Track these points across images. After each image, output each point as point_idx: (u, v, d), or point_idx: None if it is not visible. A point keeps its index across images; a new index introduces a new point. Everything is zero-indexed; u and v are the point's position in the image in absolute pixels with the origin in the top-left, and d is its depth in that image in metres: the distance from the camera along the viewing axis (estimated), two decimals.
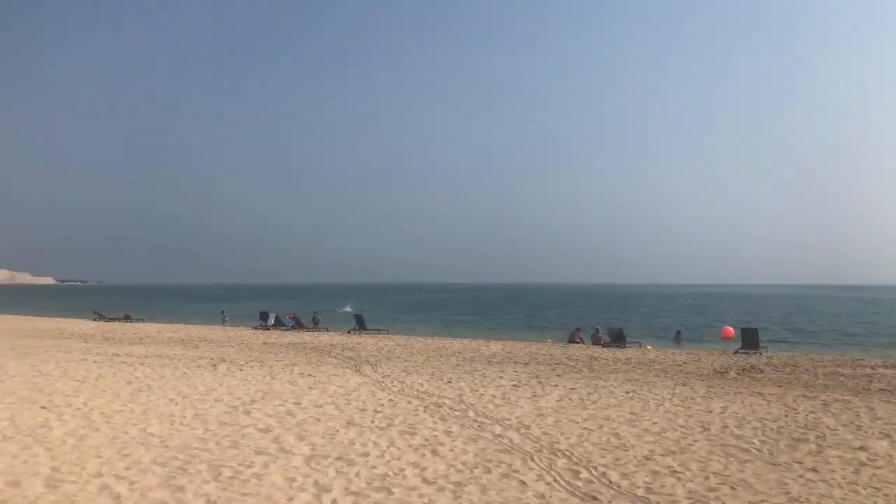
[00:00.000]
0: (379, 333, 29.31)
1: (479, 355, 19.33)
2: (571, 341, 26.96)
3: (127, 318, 38.76)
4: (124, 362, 16.56)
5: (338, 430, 9.02)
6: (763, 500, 6.31)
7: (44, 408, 10.28)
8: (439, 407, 10.80)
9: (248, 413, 10.14)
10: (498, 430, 9.17)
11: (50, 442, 8.10)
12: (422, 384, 13.26)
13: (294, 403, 10.99)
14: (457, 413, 10.31)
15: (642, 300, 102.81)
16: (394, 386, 13.00)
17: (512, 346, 23.32)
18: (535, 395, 12.10)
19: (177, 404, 10.79)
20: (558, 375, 15.00)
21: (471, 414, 10.26)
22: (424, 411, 10.43)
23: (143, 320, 38.89)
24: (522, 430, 9.14)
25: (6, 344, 21.35)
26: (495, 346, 22.55)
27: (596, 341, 26.64)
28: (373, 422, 9.62)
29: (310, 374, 14.57)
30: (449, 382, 13.53)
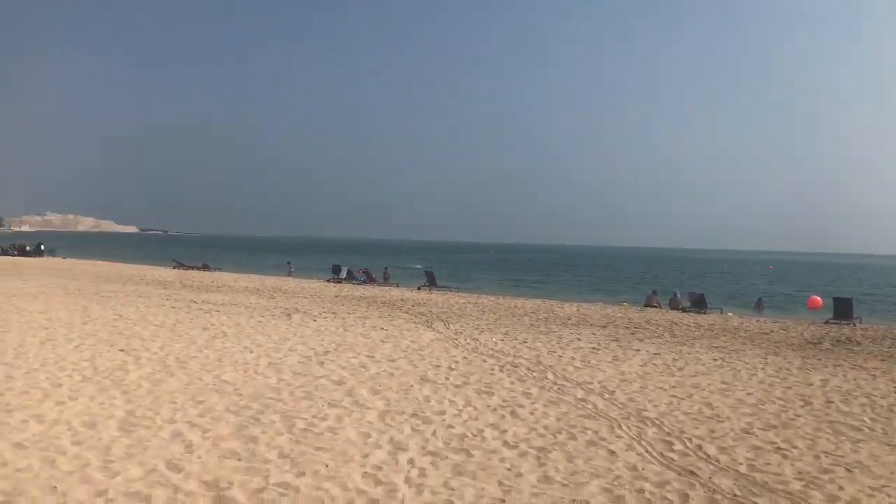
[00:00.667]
0: (449, 290, 29.07)
1: (554, 316, 18.78)
2: (648, 305, 26.08)
3: (205, 267, 39.72)
4: (201, 309, 16.76)
5: (412, 386, 8.71)
6: (885, 486, 5.65)
7: (122, 351, 10.35)
8: (516, 367, 10.37)
9: (321, 364, 9.96)
10: (580, 393, 8.68)
11: (126, 385, 8.07)
12: (496, 343, 12.86)
13: (367, 356, 10.76)
14: (535, 374, 9.86)
15: (717, 266, 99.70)
16: (467, 343, 12.64)
17: (587, 307, 22.66)
18: (616, 360, 11.53)
19: (251, 352, 10.71)
20: (639, 340, 14.35)
21: (550, 376, 9.79)
22: (501, 371, 10.02)
23: (220, 269, 39.82)
24: (606, 396, 8.63)
25: (91, 288, 22.03)
26: (570, 308, 21.93)
27: (674, 306, 25.68)
28: (447, 379, 9.28)
29: (382, 328, 14.37)
30: (524, 342, 13.08)
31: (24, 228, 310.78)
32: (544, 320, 17.56)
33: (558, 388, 8.95)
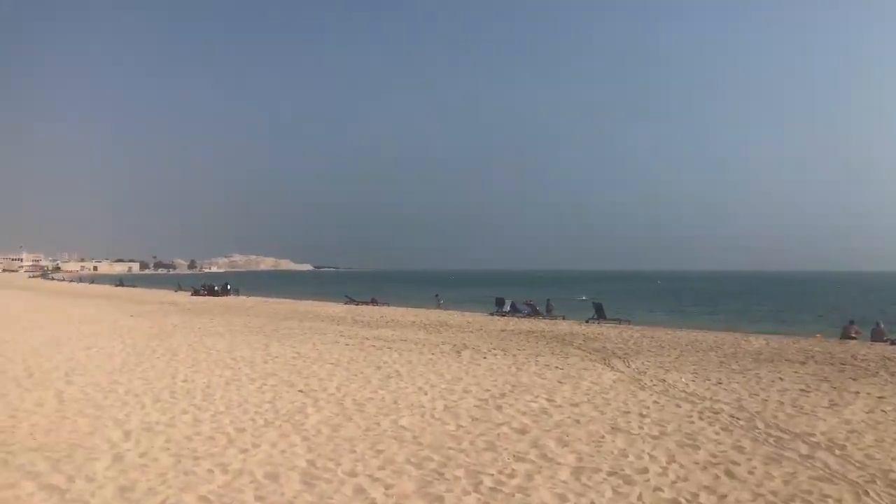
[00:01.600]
0: (620, 323, 27.66)
1: (742, 351, 17.07)
2: (845, 336, 23.35)
3: (374, 302, 40.82)
4: (373, 346, 16.82)
5: (603, 437, 7.87)
6: None
7: (301, 392, 10.35)
8: (717, 413, 9.21)
9: (499, 408, 9.37)
10: (803, 448, 7.44)
11: (306, 430, 7.90)
12: (687, 384, 11.66)
13: (547, 400, 10.04)
14: (741, 423, 8.67)
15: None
16: (654, 385, 11.55)
17: (777, 340, 20.52)
18: (834, 404, 9.99)
19: (426, 394, 10.35)
20: (853, 379, 12.52)
21: (759, 425, 8.56)
22: (700, 418, 8.90)
23: (387, 303, 40.73)
24: (837, 451, 7.32)
25: (270, 326, 23.03)
26: (757, 341, 19.94)
27: (878, 337, 22.76)
28: (641, 428, 8.33)
29: (557, 367, 13.59)
30: (719, 383, 11.76)
31: (214, 269, 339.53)
32: (733, 356, 15.96)
33: (774, 441, 7.75)
